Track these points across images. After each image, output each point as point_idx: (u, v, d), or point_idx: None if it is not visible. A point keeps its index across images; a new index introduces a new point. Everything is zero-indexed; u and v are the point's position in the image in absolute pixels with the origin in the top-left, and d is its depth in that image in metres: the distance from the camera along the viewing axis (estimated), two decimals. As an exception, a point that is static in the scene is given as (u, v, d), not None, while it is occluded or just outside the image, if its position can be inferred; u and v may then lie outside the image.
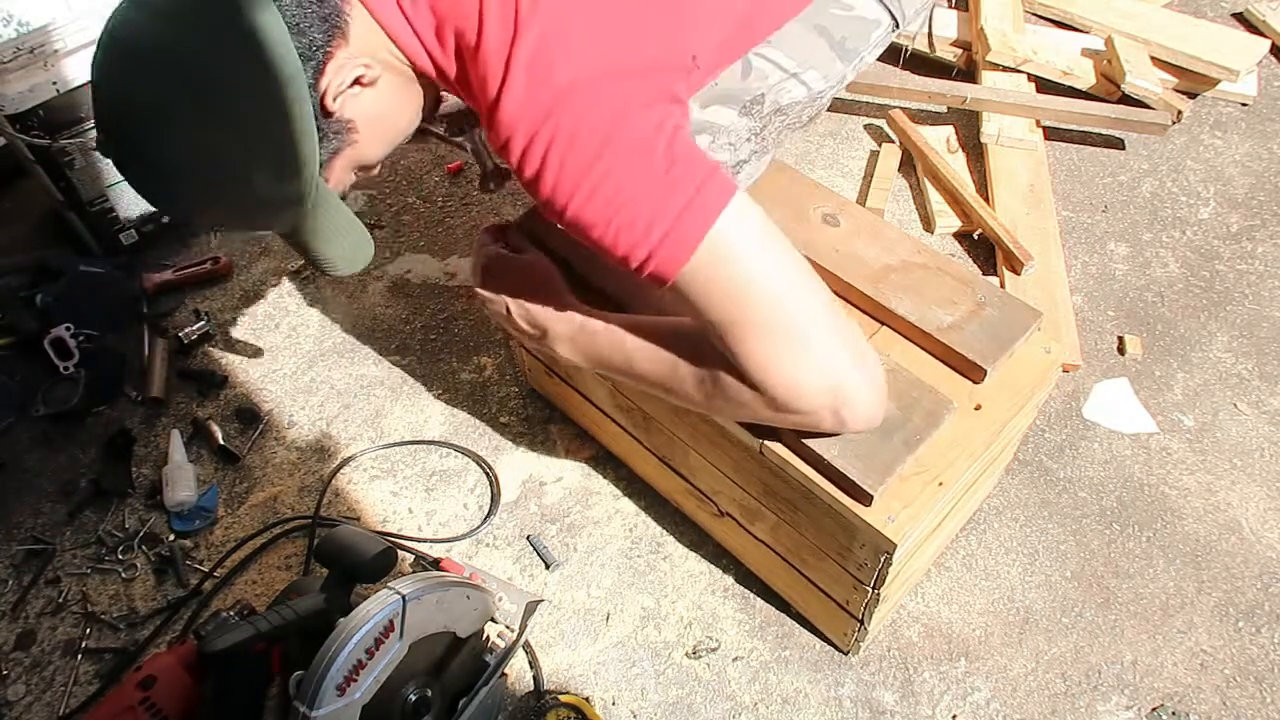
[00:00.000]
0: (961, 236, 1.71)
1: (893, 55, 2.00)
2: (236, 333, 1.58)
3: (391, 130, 0.86)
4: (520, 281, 0.99)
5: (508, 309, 0.99)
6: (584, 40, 0.74)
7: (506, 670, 1.15)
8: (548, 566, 1.28)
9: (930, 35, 2.02)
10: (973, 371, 1.01)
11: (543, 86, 0.73)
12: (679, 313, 0.83)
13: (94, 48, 0.74)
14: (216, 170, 0.74)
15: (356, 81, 0.77)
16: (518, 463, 1.40)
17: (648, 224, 0.75)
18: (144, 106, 0.71)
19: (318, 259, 0.88)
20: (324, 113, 0.76)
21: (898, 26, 1.02)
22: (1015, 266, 1.57)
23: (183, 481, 1.35)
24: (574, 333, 0.95)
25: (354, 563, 0.96)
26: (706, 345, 0.84)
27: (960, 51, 2.01)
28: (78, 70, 1.45)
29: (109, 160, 0.78)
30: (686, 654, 1.20)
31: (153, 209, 1.66)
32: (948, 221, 1.69)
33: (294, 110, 0.73)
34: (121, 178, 1.57)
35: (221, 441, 1.41)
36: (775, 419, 0.85)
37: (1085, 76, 1.92)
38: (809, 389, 0.80)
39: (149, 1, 0.72)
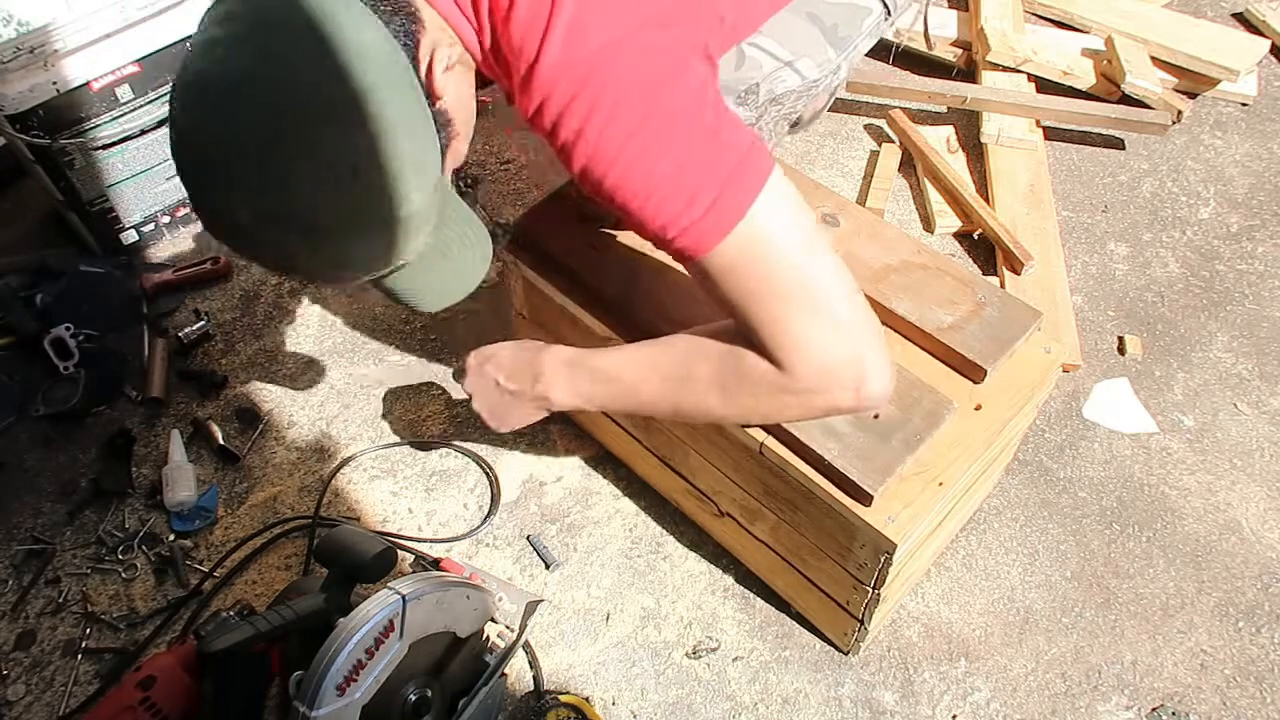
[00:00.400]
0: (961, 236, 1.71)
1: (887, 53, 2.00)
2: (236, 333, 1.58)
3: (470, 121, 0.81)
4: (510, 401, 1.06)
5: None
6: (618, 3, 0.72)
7: (506, 670, 1.14)
8: (548, 566, 1.28)
9: (927, 34, 2.02)
10: (973, 371, 1.01)
11: (579, 48, 0.71)
12: (701, 288, 0.82)
13: (169, 107, 0.66)
14: (354, 188, 0.67)
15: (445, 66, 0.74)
16: (518, 463, 1.40)
17: (690, 197, 0.73)
18: (262, 142, 0.65)
19: (426, 291, 0.83)
20: (431, 98, 0.72)
21: (889, 14, 1.02)
22: (1015, 266, 1.57)
23: (183, 481, 1.35)
24: (580, 405, 0.99)
25: (354, 563, 0.96)
26: (715, 346, 0.85)
27: (960, 51, 2.01)
28: (78, 70, 1.45)
29: (218, 239, 0.71)
30: (686, 654, 1.20)
31: (153, 209, 1.66)
32: (948, 221, 1.69)
33: (410, 95, 0.69)
34: (123, 178, 1.58)
35: (221, 441, 1.41)
36: (794, 402, 0.84)
37: (1085, 76, 1.92)
38: (836, 361, 0.80)
39: (224, 38, 0.66)
